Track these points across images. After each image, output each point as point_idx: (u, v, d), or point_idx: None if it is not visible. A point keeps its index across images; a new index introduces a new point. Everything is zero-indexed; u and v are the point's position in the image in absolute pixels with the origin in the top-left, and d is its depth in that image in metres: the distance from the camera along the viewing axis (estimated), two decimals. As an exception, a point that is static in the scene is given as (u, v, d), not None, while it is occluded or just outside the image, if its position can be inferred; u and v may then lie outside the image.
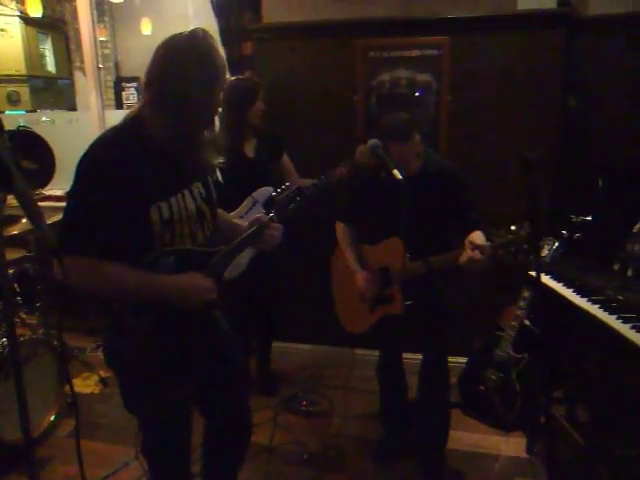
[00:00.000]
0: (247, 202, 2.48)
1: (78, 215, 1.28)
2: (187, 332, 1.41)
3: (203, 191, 1.45)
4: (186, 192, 1.39)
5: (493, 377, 2.41)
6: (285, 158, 2.70)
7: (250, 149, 2.59)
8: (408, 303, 2.03)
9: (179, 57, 1.27)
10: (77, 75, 5.05)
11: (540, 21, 2.52)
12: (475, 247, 1.78)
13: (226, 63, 1.37)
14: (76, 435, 1.13)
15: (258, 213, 1.59)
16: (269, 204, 1.54)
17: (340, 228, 2.24)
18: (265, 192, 2.42)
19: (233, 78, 2.72)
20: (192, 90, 1.26)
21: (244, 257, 2.44)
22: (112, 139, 1.31)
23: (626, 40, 2.53)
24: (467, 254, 1.79)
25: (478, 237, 1.87)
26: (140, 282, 1.30)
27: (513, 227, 1.76)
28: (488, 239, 1.84)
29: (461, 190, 2.02)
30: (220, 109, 1.41)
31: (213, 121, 1.40)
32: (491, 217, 2.00)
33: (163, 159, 1.31)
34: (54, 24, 5.69)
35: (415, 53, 2.69)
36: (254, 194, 2.46)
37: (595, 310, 1.81)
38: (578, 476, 2.07)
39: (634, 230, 2.03)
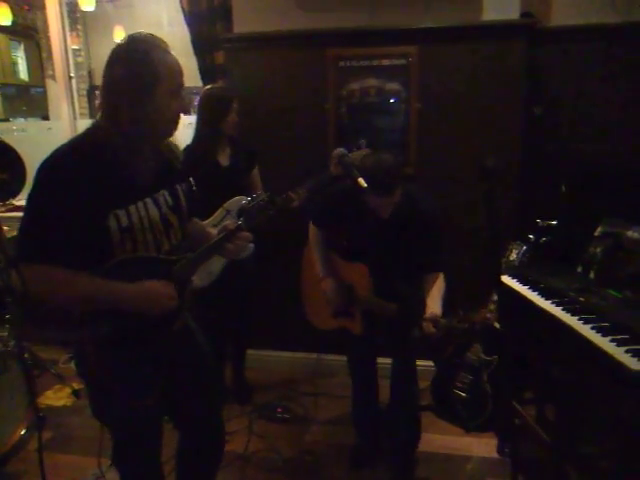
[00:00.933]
0: (220, 212, 2.48)
1: (32, 223, 1.28)
2: (150, 342, 1.40)
3: (170, 199, 1.45)
4: (148, 200, 1.38)
5: (465, 380, 2.45)
6: (255, 171, 2.70)
7: (224, 158, 2.59)
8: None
9: (115, 62, 1.29)
10: (50, 83, 5.01)
11: (504, 31, 2.59)
12: (432, 321, 1.87)
13: (174, 65, 1.32)
14: (39, 450, 1.12)
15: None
16: (242, 214, 1.54)
17: (312, 230, 2.24)
18: (238, 202, 2.42)
19: (207, 87, 2.73)
20: (127, 93, 1.27)
21: (216, 266, 2.44)
22: (69, 149, 1.31)
23: (588, 50, 2.62)
24: (426, 327, 1.88)
25: (436, 294, 1.99)
26: (95, 289, 1.30)
27: (473, 314, 1.91)
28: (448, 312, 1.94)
29: (430, 233, 2.01)
30: (182, 114, 1.38)
31: (166, 126, 1.36)
32: (459, 228, 2.05)
33: (120, 168, 1.30)
34: (26, 32, 5.62)
35: (384, 62, 2.74)
36: (226, 204, 2.47)
37: (558, 312, 1.85)
38: (546, 475, 2.11)
39: (596, 233, 2.10)
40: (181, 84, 1.35)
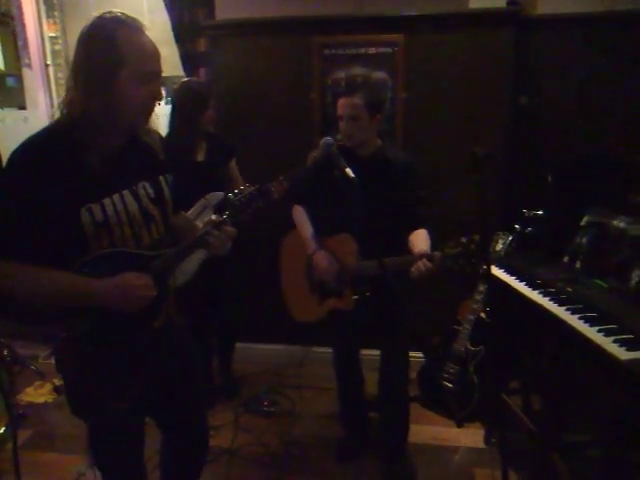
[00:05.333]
0: (198, 205, 2.41)
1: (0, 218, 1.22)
2: (129, 341, 1.35)
3: (151, 191, 1.38)
4: (126, 192, 1.31)
5: (452, 370, 2.46)
6: (233, 164, 2.64)
7: (200, 153, 2.53)
8: (356, 297, 2.02)
9: (78, 42, 1.21)
10: (26, 72, 4.87)
11: (490, 20, 2.58)
12: (424, 256, 1.80)
13: (145, 47, 1.21)
14: (14, 450, 1.08)
15: (209, 216, 1.53)
16: (221, 208, 1.48)
17: (297, 211, 2.20)
18: (217, 197, 2.36)
19: (184, 80, 2.64)
20: (87, 77, 1.18)
21: (192, 265, 2.37)
22: (36, 141, 1.23)
23: (573, 39, 2.62)
24: (416, 266, 1.81)
25: (422, 240, 1.91)
26: (65, 286, 1.23)
27: (463, 239, 1.78)
28: (437, 248, 1.84)
29: (413, 182, 2.03)
30: (155, 102, 1.28)
31: (133, 115, 1.25)
32: (447, 218, 2.04)
33: (94, 159, 1.24)
34: (1, 19, 5.45)
35: (370, 50, 2.71)
36: (206, 197, 2.40)
37: (545, 302, 1.85)
38: (533, 463, 2.13)
39: (582, 223, 2.10)
40: (154, 70, 1.23)
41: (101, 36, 1.18)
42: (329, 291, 2.11)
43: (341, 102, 1.96)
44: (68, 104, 1.23)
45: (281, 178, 2.03)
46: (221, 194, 1.91)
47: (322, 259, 2.06)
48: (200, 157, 2.53)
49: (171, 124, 2.49)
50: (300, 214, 2.19)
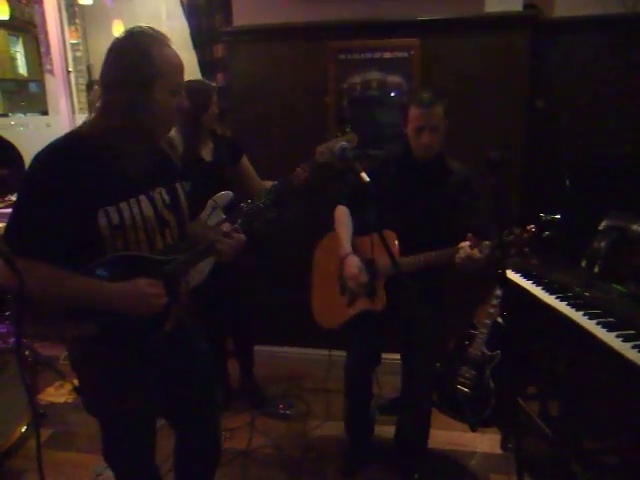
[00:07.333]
0: (207, 207, 2.43)
1: (19, 216, 1.26)
2: (137, 343, 1.37)
3: (167, 197, 1.41)
4: (142, 197, 1.35)
5: (467, 375, 2.44)
6: (244, 161, 2.62)
7: (207, 153, 2.53)
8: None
9: (114, 57, 1.26)
10: (48, 78, 4.98)
11: (506, 23, 2.56)
12: (475, 245, 1.79)
13: (175, 61, 1.29)
14: (37, 448, 1.11)
15: (218, 217, 1.55)
16: (230, 209, 1.50)
17: (340, 210, 2.20)
18: (225, 197, 2.35)
19: (185, 81, 2.65)
20: (125, 90, 1.24)
21: (207, 265, 2.38)
22: (60, 144, 1.28)
23: (590, 42, 2.59)
24: (466, 251, 1.80)
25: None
26: (78, 287, 1.26)
27: (516, 229, 1.79)
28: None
29: (470, 194, 2.03)
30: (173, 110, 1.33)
31: (164, 124, 1.34)
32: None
33: (112, 164, 1.27)
34: (24, 26, 5.59)
35: (386, 55, 2.71)
36: (215, 197, 2.41)
37: (562, 307, 1.84)
38: (550, 470, 2.10)
39: (600, 227, 2.08)
40: (182, 81, 1.32)
41: (137, 51, 1.24)
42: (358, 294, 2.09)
43: (420, 112, 1.92)
44: (100, 114, 1.28)
45: (304, 165, 2.03)
46: (230, 194, 1.91)
47: (352, 265, 2.04)
48: (207, 157, 2.52)
49: (177, 126, 2.49)
50: (342, 213, 2.19)
